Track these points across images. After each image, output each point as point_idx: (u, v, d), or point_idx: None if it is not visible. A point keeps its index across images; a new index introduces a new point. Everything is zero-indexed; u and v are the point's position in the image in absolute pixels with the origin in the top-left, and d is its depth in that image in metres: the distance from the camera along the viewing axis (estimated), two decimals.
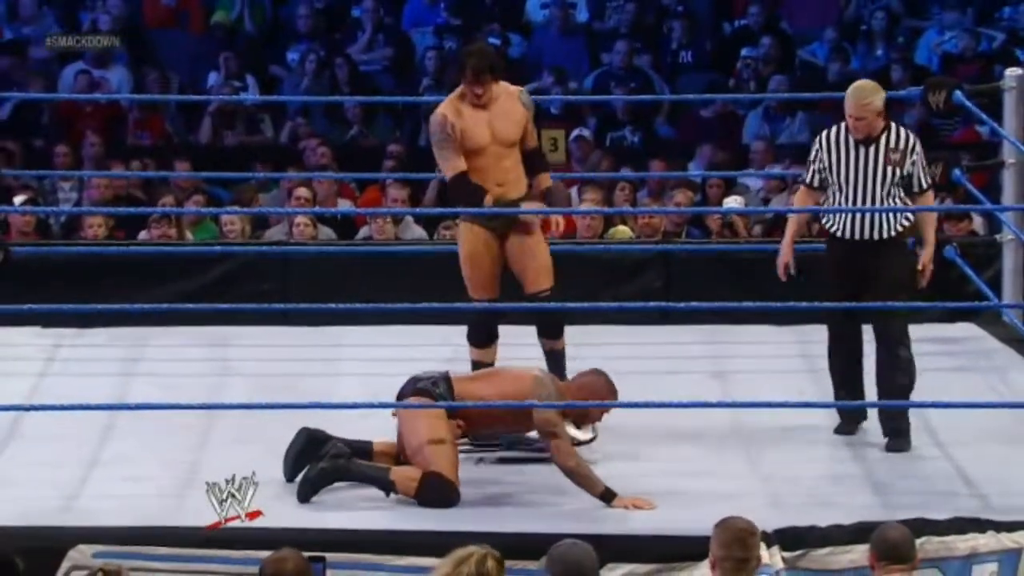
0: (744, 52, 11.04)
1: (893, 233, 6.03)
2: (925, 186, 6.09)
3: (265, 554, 4.96)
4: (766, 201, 9.61)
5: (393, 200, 8.93)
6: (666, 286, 7.81)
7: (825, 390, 6.26)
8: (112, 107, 10.82)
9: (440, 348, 7.18)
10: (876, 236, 6.02)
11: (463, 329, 6.37)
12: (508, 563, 4.93)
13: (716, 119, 10.76)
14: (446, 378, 5.66)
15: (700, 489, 5.67)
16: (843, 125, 6.06)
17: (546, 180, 6.31)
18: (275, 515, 5.31)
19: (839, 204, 6.06)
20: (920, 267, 6.12)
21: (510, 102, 6.13)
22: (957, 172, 7.18)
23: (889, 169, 5.99)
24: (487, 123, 6.08)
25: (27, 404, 6.30)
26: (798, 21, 11.58)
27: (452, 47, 11.27)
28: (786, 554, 5.13)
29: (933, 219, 6.29)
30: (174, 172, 9.65)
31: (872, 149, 6.01)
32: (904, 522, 4.77)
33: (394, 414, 5.69)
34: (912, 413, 6.19)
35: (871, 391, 6.14)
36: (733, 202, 9.10)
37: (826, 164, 6.07)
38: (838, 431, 6.18)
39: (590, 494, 5.51)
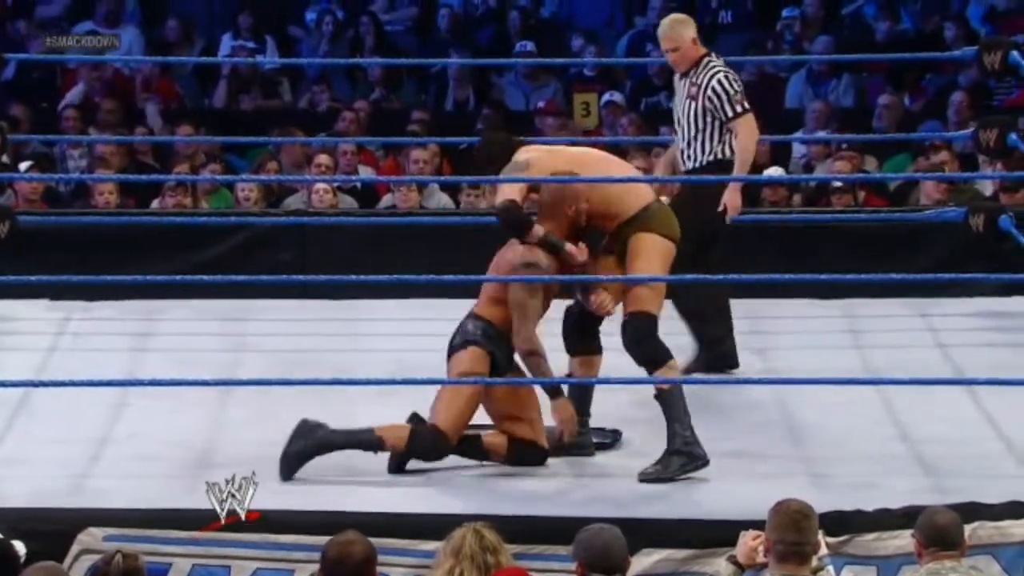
0: (785, 12, 10.96)
1: (704, 163, 6.33)
2: (731, 114, 6.30)
3: (285, 537, 5.04)
4: (809, 168, 9.52)
5: (415, 162, 8.84)
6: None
7: (871, 366, 6.24)
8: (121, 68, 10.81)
9: None
10: (691, 165, 6.37)
11: None
12: (539, 548, 5.00)
13: (757, 82, 10.69)
14: (473, 315, 5.77)
15: (740, 470, 5.67)
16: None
17: None
18: (294, 497, 5.35)
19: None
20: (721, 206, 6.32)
21: None
22: (1013, 137, 7.10)
23: (689, 103, 6.28)
24: None
25: (35, 380, 6.29)
26: None
27: (477, 5, 11.22)
28: (831, 539, 5.12)
29: (744, 147, 6.35)
30: (185, 137, 9.61)
31: (684, 82, 6.36)
32: (956, 506, 4.75)
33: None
34: (965, 389, 6.17)
35: None
36: (775, 172, 9.03)
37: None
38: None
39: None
